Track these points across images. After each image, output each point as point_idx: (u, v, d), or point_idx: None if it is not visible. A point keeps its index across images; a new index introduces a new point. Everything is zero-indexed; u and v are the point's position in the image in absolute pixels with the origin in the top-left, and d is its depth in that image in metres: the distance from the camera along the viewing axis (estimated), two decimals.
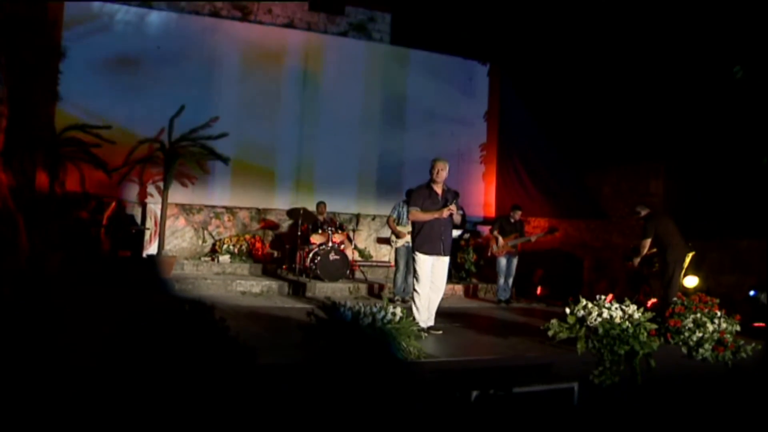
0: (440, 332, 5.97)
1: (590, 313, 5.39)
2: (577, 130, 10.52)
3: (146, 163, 9.70)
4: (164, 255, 9.18)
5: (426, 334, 5.66)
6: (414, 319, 5.37)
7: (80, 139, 8.85)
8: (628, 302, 5.57)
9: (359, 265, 10.21)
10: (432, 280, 6.03)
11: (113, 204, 9.63)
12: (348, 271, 9.51)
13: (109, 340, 3.87)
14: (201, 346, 3.88)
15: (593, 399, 5.00)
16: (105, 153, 9.08)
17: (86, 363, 3.77)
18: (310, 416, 3.94)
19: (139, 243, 9.37)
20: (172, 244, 10.27)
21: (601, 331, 5.29)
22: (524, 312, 8.32)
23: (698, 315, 5.84)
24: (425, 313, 5.96)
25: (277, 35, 11.20)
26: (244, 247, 10.32)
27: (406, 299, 7.74)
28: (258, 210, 11.01)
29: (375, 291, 9.15)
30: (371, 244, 11.61)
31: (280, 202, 10.82)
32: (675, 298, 6.27)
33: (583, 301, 5.51)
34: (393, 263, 8.74)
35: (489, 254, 9.48)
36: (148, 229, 9.79)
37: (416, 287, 6.01)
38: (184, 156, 9.34)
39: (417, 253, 6.01)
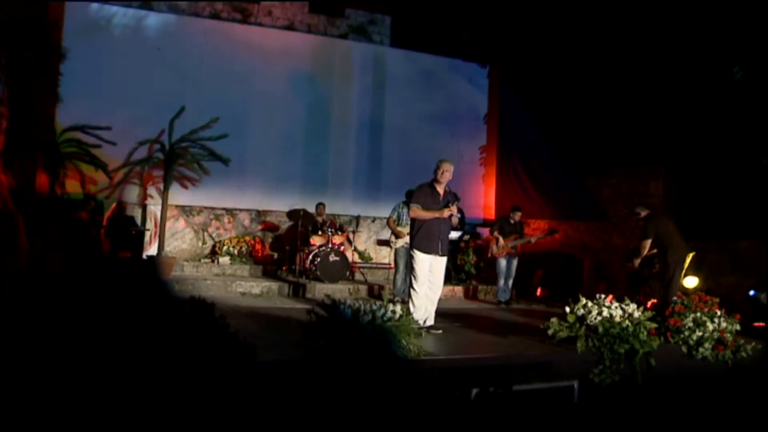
0: (440, 331, 5.99)
1: (590, 312, 5.40)
2: (576, 131, 10.53)
3: (146, 164, 9.71)
4: (164, 256, 9.18)
5: (425, 333, 5.67)
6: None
7: (80, 139, 8.85)
8: (627, 301, 5.58)
9: (359, 267, 10.21)
10: (430, 280, 6.07)
11: (113, 205, 9.64)
12: (348, 273, 9.50)
13: (110, 338, 3.88)
14: (201, 343, 3.88)
15: (593, 397, 5.00)
16: (105, 154, 9.09)
17: (87, 359, 3.76)
18: (309, 413, 3.93)
19: (139, 244, 9.37)
20: (172, 246, 10.27)
21: (601, 329, 5.30)
22: (524, 313, 8.31)
23: (698, 314, 5.85)
24: (422, 312, 5.98)
25: (277, 37, 11.22)
26: (244, 249, 10.34)
27: (406, 300, 7.73)
28: (258, 212, 11.02)
29: (375, 292, 9.14)
30: (371, 245, 11.61)
31: (279, 204, 10.81)
32: (675, 298, 6.27)
33: (583, 300, 5.53)
34: (393, 265, 8.74)
35: (489, 255, 9.48)
36: (148, 230, 9.80)
37: (413, 285, 6.04)
38: (184, 157, 9.35)
39: (415, 251, 6.06)
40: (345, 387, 4.12)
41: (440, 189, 6.14)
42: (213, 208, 10.72)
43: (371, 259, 11.38)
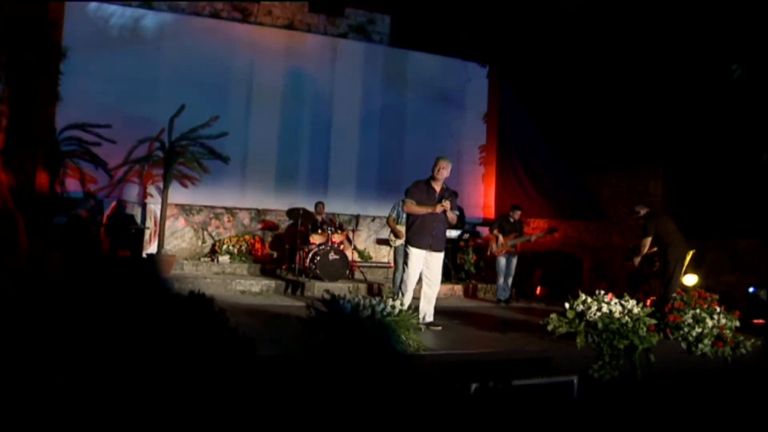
0: (439, 327, 5.99)
1: (589, 308, 5.40)
2: (576, 131, 10.53)
3: (146, 162, 9.72)
4: (164, 254, 9.19)
5: (425, 329, 5.68)
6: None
7: (80, 138, 8.86)
8: (627, 297, 5.58)
9: (359, 266, 10.21)
10: (427, 276, 6.12)
11: (113, 204, 9.65)
12: (347, 271, 9.50)
13: (110, 332, 3.88)
14: (200, 337, 3.89)
15: (593, 393, 5.00)
16: (105, 152, 9.10)
17: (88, 354, 3.77)
18: (309, 407, 3.93)
19: (138, 243, 9.37)
20: (171, 245, 10.27)
21: (600, 325, 5.30)
22: (524, 311, 8.31)
23: (697, 311, 5.85)
24: (409, 297, 5.99)
25: (277, 36, 11.23)
26: (243, 248, 10.34)
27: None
28: (258, 210, 11.03)
29: (374, 291, 9.14)
30: (371, 245, 11.62)
31: (279, 203, 10.81)
32: (674, 294, 6.27)
33: (583, 296, 5.52)
34: (392, 263, 8.74)
35: (489, 254, 9.48)
36: (148, 228, 9.80)
37: (405, 278, 6.08)
38: (183, 155, 9.36)
39: (409, 246, 6.12)
40: (344, 381, 4.11)
41: (437, 186, 6.15)
42: (213, 207, 10.73)
43: (371, 258, 11.39)
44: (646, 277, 8.60)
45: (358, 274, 9.97)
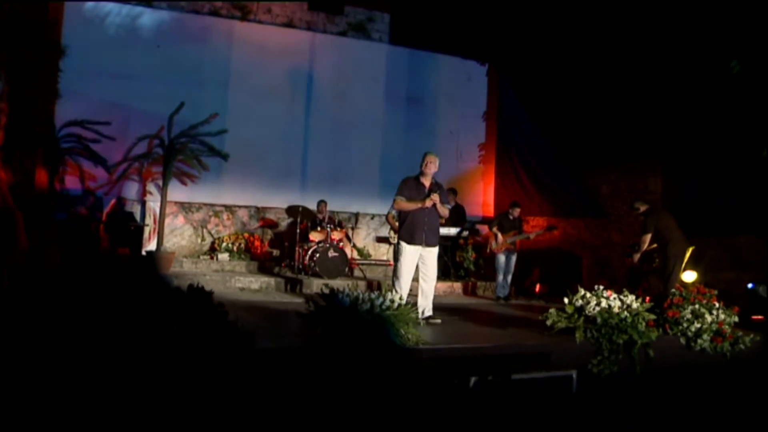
0: (439, 321, 6.00)
1: (588, 303, 5.41)
2: (575, 129, 10.54)
3: (146, 159, 9.71)
4: (163, 251, 9.18)
5: (424, 323, 5.69)
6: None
7: (80, 135, 8.85)
8: (626, 292, 5.58)
9: (358, 263, 10.21)
10: (423, 272, 6.14)
11: (113, 201, 9.65)
12: (347, 269, 9.50)
13: (110, 325, 3.88)
14: (199, 330, 3.89)
15: (592, 388, 5.01)
16: (105, 149, 9.08)
17: (88, 348, 3.77)
18: (307, 399, 3.94)
19: (138, 240, 9.35)
20: (171, 242, 10.27)
21: (599, 320, 5.31)
22: (523, 308, 8.31)
23: (697, 306, 5.86)
24: (404, 293, 5.99)
25: (276, 34, 11.24)
26: (243, 246, 10.34)
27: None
28: (257, 208, 11.03)
29: (374, 288, 9.11)
30: (370, 243, 11.62)
31: (278, 201, 10.81)
32: (673, 290, 6.28)
33: (582, 291, 5.53)
34: (392, 261, 8.73)
35: (488, 251, 9.48)
36: (147, 225, 9.80)
37: (399, 274, 6.07)
38: (183, 152, 9.35)
39: (401, 242, 6.15)
40: (342, 374, 4.12)
41: (426, 181, 6.21)
42: (212, 205, 10.73)
43: (370, 256, 11.38)
44: (645, 275, 8.60)
45: (357, 272, 9.96)
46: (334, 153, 11.36)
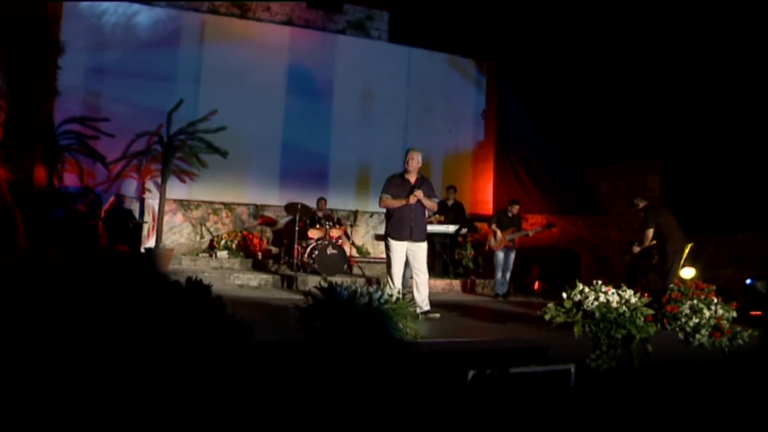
0: (437, 315, 6.01)
1: (587, 298, 5.40)
2: (574, 127, 10.55)
3: (144, 157, 9.72)
4: (162, 248, 9.18)
5: (423, 318, 5.69)
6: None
7: (79, 131, 8.86)
8: (624, 287, 5.58)
9: (357, 261, 10.20)
10: (414, 266, 6.17)
11: (112, 198, 9.64)
12: (345, 266, 9.49)
13: (109, 320, 3.88)
14: (197, 322, 3.89)
15: (590, 382, 5.00)
16: (103, 147, 9.10)
17: (87, 343, 3.77)
18: (304, 392, 3.94)
19: (136, 237, 9.36)
20: (170, 240, 10.28)
21: (597, 315, 5.30)
22: (522, 305, 8.31)
23: (695, 301, 5.85)
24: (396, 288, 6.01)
25: (275, 32, 11.24)
26: (241, 243, 10.35)
27: (405, 293, 7.74)
28: (256, 206, 11.03)
29: (372, 285, 9.12)
30: (369, 240, 11.62)
31: (277, 199, 10.82)
32: (672, 285, 6.28)
33: (580, 286, 5.52)
34: None
35: (487, 248, 9.48)
36: (146, 223, 9.80)
37: (389, 272, 6.14)
38: (182, 149, 9.35)
39: (388, 238, 6.23)
40: (341, 367, 4.12)
41: (411, 177, 6.27)
42: (211, 203, 10.74)
43: (369, 253, 11.38)
44: (644, 272, 8.60)
45: (356, 270, 9.96)
46: (333, 151, 11.39)
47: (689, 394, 5.30)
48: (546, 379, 4.67)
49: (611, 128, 9.85)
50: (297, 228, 9.56)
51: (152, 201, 9.90)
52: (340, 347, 4.22)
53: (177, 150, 9.29)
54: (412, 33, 11.80)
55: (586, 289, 5.48)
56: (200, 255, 10.13)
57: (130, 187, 10.02)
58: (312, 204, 9.96)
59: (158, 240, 9.28)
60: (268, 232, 11.01)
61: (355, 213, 11.20)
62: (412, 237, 6.13)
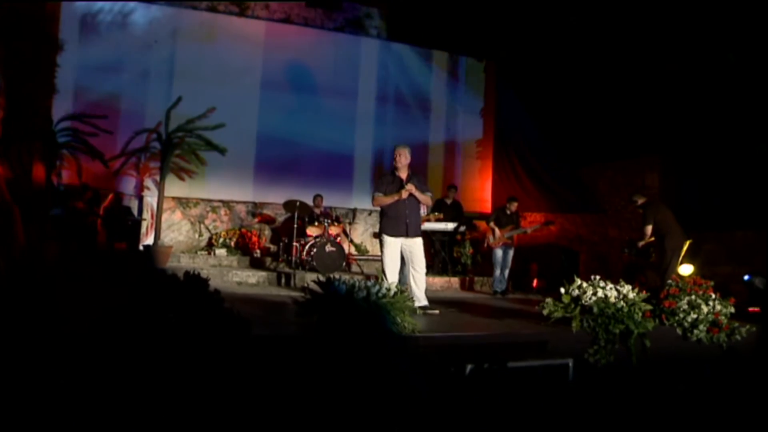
0: (437, 311, 6.02)
1: (585, 293, 5.40)
2: (572, 125, 10.56)
3: (143, 154, 9.71)
4: (160, 245, 9.17)
5: (421, 313, 5.70)
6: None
7: (77, 129, 8.85)
8: (622, 282, 5.58)
9: (355, 259, 10.21)
10: (412, 261, 6.18)
11: (110, 195, 9.64)
12: (344, 264, 9.49)
13: (107, 315, 3.88)
14: (195, 315, 3.89)
15: (588, 377, 5.00)
16: (102, 144, 9.09)
17: (86, 338, 3.77)
18: (301, 385, 3.94)
19: (135, 235, 9.37)
20: (168, 238, 10.27)
21: (595, 310, 5.30)
22: (520, 302, 8.31)
23: (693, 297, 5.85)
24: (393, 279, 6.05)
25: (274, 30, 11.24)
26: (240, 241, 10.34)
27: (404, 289, 7.74)
28: (254, 204, 11.04)
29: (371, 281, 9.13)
30: (367, 238, 11.62)
31: (276, 196, 10.81)
32: (670, 281, 6.28)
33: (578, 281, 5.52)
34: None
35: (485, 246, 9.48)
36: (145, 220, 9.80)
37: (384, 269, 6.15)
38: (180, 147, 9.35)
39: (383, 235, 6.24)
40: (338, 361, 4.12)
41: (402, 174, 6.29)
42: (209, 200, 10.75)
43: (367, 251, 11.38)
44: (642, 269, 8.61)
45: (354, 267, 9.97)
46: (332, 148, 11.39)
47: (687, 390, 5.31)
48: (544, 373, 4.67)
49: (610, 127, 9.86)
50: (295, 225, 9.55)
51: (151, 198, 9.90)
52: (338, 341, 4.22)
53: (176, 147, 9.29)
54: (411, 31, 11.81)
55: (585, 284, 5.48)
56: (199, 253, 10.13)
57: (128, 184, 10.03)
58: (310, 201, 9.97)
59: (157, 237, 9.28)
60: (267, 230, 11.01)
61: (354, 211, 11.20)
62: (408, 233, 6.15)
